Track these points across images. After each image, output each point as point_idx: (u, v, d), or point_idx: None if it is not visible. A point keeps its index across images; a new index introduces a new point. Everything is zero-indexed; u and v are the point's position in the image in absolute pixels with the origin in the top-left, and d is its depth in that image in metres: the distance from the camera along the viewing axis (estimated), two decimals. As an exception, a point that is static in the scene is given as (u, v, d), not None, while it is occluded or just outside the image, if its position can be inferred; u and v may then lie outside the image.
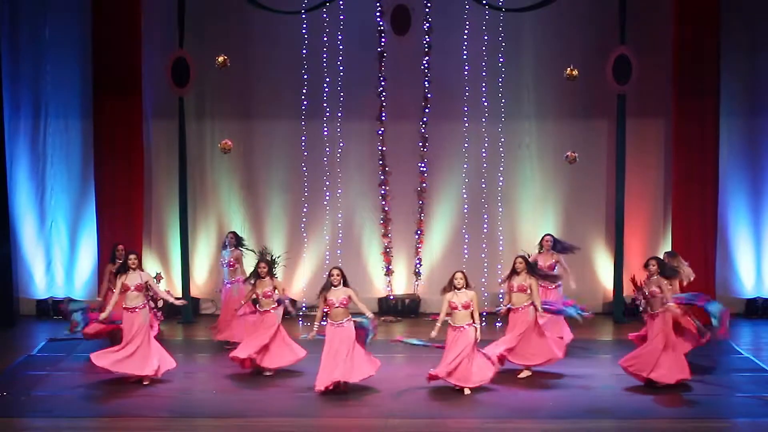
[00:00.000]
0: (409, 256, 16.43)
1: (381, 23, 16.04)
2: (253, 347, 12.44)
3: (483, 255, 15.99)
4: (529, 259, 13.10)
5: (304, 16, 15.59)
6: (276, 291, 12.65)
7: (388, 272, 16.38)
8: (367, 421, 10.91)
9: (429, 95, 16.15)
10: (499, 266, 15.78)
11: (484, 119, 16.01)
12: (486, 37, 15.80)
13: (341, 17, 15.80)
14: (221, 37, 15.84)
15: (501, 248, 16.04)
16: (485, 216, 16.12)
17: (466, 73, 15.93)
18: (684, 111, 15.47)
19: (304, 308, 15.66)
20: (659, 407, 11.28)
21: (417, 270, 16.40)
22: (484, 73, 15.90)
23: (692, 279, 12.85)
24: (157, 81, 15.75)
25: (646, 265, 12.10)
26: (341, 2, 15.67)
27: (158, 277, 12.76)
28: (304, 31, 15.71)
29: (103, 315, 12.32)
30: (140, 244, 15.37)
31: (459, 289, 11.78)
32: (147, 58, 15.53)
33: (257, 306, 12.69)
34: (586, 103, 16.14)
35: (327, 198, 16.13)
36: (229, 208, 16.44)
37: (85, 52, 15.69)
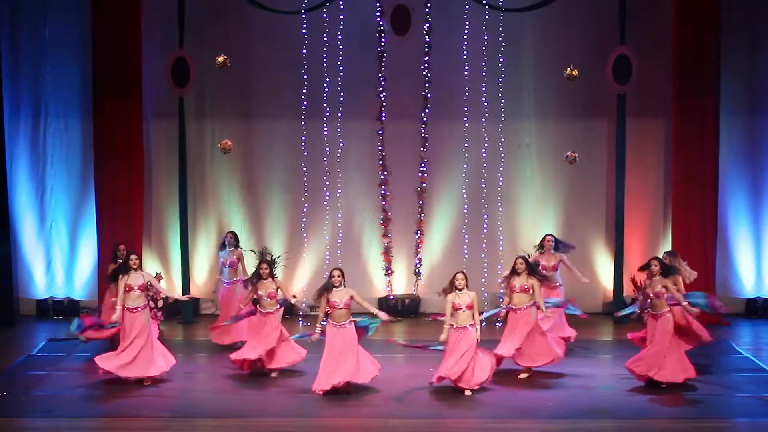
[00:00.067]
0: (409, 256, 16.43)
1: (381, 23, 16.05)
2: (258, 350, 12.40)
3: (483, 255, 15.99)
4: (530, 260, 13.12)
5: (304, 16, 15.59)
6: (279, 291, 12.63)
7: (388, 272, 16.38)
8: (367, 421, 10.90)
9: (429, 95, 16.15)
10: (499, 266, 15.78)
11: (484, 119, 16.01)
12: (486, 37, 15.80)
13: (341, 17, 15.80)
14: (221, 37, 15.84)
15: (501, 248, 16.04)
16: (485, 216, 16.12)
17: (466, 73, 15.93)
18: (684, 111, 15.47)
19: (303, 306, 15.64)
20: (659, 407, 11.28)
21: (417, 270, 16.40)
22: (484, 73, 15.91)
23: (693, 278, 12.84)
24: (157, 81, 15.75)
25: (647, 266, 12.05)
26: (341, 2, 15.67)
27: (158, 277, 12.75)
28: (304, 31, 15.71)
29: (115, 316, 12.21)
30: (140, 244, 15.37)
31: (460, 289, 11.77)
32: (147, 58, 15.53)
33: (258, 307, 12.64)
34: (586, 103, 16.14)
35: (327, 198, 16.13)
36: (229, 208, 16.44)
37: (85, 52, 15.69)
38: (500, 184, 16.14)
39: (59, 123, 16.10)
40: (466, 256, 15.93)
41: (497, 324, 14.26)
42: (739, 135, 16.11)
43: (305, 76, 15.84)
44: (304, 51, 15.79)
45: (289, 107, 16.04)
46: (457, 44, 15.89)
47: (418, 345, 12.48)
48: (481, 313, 12.09)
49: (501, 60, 15.88)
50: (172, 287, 15.39)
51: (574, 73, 14.53)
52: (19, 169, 16.09)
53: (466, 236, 16.11)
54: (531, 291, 12.33)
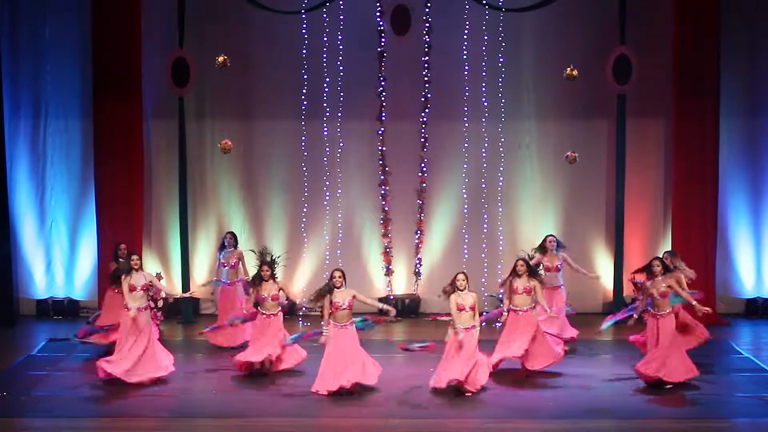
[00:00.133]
0: (409, 256, 16.43)
1: (381, 23, 16.04)
2: (264, 353, 12.37)
3: (483, 255, 15.99)
4: (534, 261, 13.13)
5: (304, 16, 15.59)
6: (281, 292, 12.62)
7: (388, 272, 16.38)
8: (367, 421, 10.90)
9: (429, 95, 16.15)
10: (499, 266, 15.79)
11: (484, 119, 16.01)
12: (486, 37, 15.80)
13: (341, 17, 15.80)
14: (221, 37, 15.84)
15: (501, 248, 16.04)
16: (485, 216, 16.12)
17: (466, 73, 15.93)
18: (684, 111, 15.48)
19: (304, 308, 15.65)
20: (659, 407, 11.28)
21: (417, 270, 16.40)
22: (484, 73, 15.91)
23: (693, 278, 12.85)
24: (157, 81, 15.75)
25: (649, 267, 12.03)
26: (341, 2, 15.67)
27: (158, 277, 12.75)
28: (304, 31, 15.71)
29: (132, 313, 12.18)
30: (140, 244, 15.37)
31: (462, 290, 11.77)
32: (147, 58, 15.53)
33: (260, 309, 12.60)
34: (586, 103, 16.14)
35: (327, 198, 16.12)
36: (229, 208, 16.44)
37: (85, 52, 15.69)
38: (500, 184, 16.14)
39: (59, 123, 16.10)
40: (466, 256, 15.93)
41: (497, 324, 14.25)
42: (739, 135, 16.11)
43: (305, 76, 15.84)
44: (304, 51, 15.79)
45: (289, 107, 16.04)
46: (457, 44, 15.88)
47: (416, 348, 12.35)
48: (481, 314, 12.08)
49: (501, 60, 15.88)
50: (172, 287, 15.39)
51: (574, 73, 14.54)
52: (19, 169, 16.09)
53: (466, 236, 16.11)
54: (533, 293, 12.33)
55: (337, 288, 11.80)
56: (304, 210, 16.10)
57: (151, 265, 15.60)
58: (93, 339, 13.11)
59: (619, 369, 12.63)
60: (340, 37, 15.87)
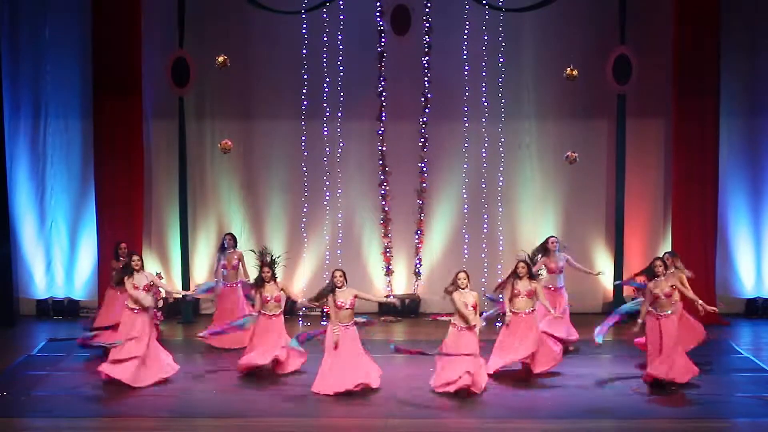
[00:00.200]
0: (409, 256, 16.43)
1: (381, 23, 16.04)
2: (268, 355, 12.34)
3: (483, 255, 15.98)
4: (538, 264, 13.12)
5: (304, 16, 15.59)
6: (282, 293, 12.61)
7: (388, 272, 16.38)
8: (367, 421, 10.91)
9: (429, 95, 16.15)
10: (499, 266, 15.78)
11: (484, 119, 16.01)
12: (486, 37, 15.80)
13: (341, 17, 15.80)
14: (221, 37, 15.84)
15: (501, 248, 16.03)
16: (485, 216, 16.12)
17: (466, 73, 15.93)
18: (684, 111, 15.48)
19: (304, 309, 15.63)
20: (659, 407, 11.28)
21: (417, 270, 16.40)
22: (484, 73, 15.91)
23: (692, 278, 12.85)
24: (157, 81, 15.75)
25: (651, 269, 12.01)
26: (341, 2, 15.67)
27: (158, 277, 12.75)
28: (304, 31, 15.71)
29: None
30: (140, 244, 15.37)
31: (463, 288, 11.77)
32: (147, 58, 15.53)
33: (262, 310, 12.57)
34: (586, 103, 16.14)
35: (327, 198, 16.12)
36: (229, 208, 16.44)
37: (85, 52, 15.69)
38: (500, 184, 16.14)
39: (59, 123, 16.10)
40: (466, 256, 15.93)
41: (497, 324, 14.24)
42: (739, 135, 16.10)
43: (305, 76, 15.84)
44: (304, 51, 15.79)
45: (289, 107, 16.04)
46: (457, 44, 15.88)
47: (415, 351, 12.28)
48: (481, 314, 12.08)
49: (501, 60, 15.87)
50: (172, 287, 15.36)
51: (574, 73, 14.54)
52: (19, 169, 16.08)
53: (466, 236, 16.11)
54: (534, 295, 12.32)
55: (338, 288, 11.80)
56: (304, 210, 16.10)
57: (151, 265, 15.59)
58: (93, 342, 13.10)
59: (619, 369, 12.63)
60: (340, 37, 15.87)
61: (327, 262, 15.94)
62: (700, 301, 12.13)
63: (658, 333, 11.86)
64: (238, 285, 14.26)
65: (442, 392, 11.61)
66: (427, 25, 15.99)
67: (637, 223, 16.22)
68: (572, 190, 16.30)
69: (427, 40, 16.03)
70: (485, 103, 15.97)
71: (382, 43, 16.05)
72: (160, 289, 12.57)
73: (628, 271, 15.71)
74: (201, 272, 16.22)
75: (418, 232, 16.35)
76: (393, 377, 12.21)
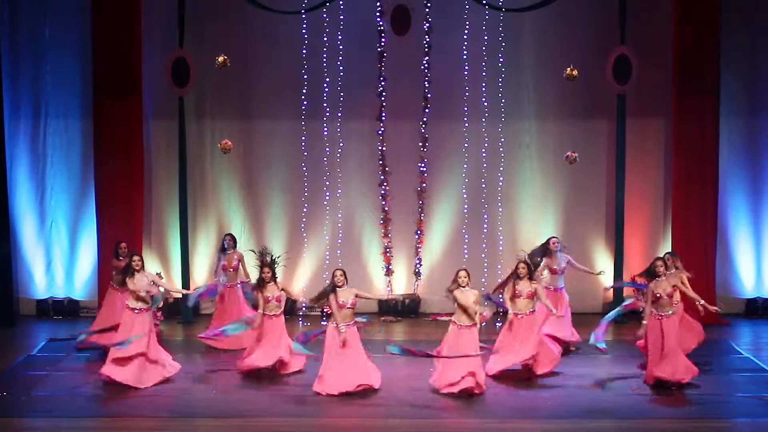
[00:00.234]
0: (409, 256, 16.43)
1: (381, 23, 16.04)
2: (271, 357, 12.31)
3: (483, 255, 15.98)
4: (542, 266, 13.12)
5: (304, 16, 15.59)
6: (283, 292, 12.61)
7: (388, 272, 16.38)
8: (367, 421, 10.91)
9: (429, 95, 16.15)
10: (499, 266, 15.79)
11: (484, 119, 16.01)
12: (486, 37, 15.80)
13: (341, 17, 15.80)
14: (221, 37, 15.84)
15: (501, 248, 16.03)
16: (485, 216, 16.12)
17: (466, 73, 15.93)
18: (684, 111, 15.48)
19: (304, 308, 15.65)
20: (659, 407, 11.28)
21: (417, 270, 16.40)
22: (484, 73, 15.90)
23: (690, 278, 12.85)
24: (157, 81, 15.75)
25: (652, 269, 12.00)
26: (341, 2, 15.67)
27: (158, 276, 12.75)
28: (304, 31, 15.71)
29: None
30: (140, 244, 15.37)
31: (464, 287, 11.78)
32: (147, 58, 15.53)
33: (263, 310, 12.56)
34: (586, 103, 16.14)
35: (327, 198, 16.12)
36: (229, 208, 16.44)
37: (85, 52, 15.69)
38: (500, 184, 16.14)
39: (59, 123, 16.09)
40: (466, 256, 15.93)
41: (497, 324, 14.26)
42: (739, 135, 16.11)
43: (305, 76, 15.84)
44: (304, 51, 15.79)
45: (289, 107, 16.04)
46: (457, 44, 15.88)
47: (418, 352, 12.24)
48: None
49: (501, 60, 15.87)
50: (172, 287, 15.36)
51: (574, 73, 14.55)
52: (19, 169, 16.08)
53: (466, 236, 16.11)
54: (534, 296, 12.32)
55: (339, 287, 11.81)
56: (304, 210, 16.10)
57: (151, 265, 15.59)
58: (92, 342, 13.10)
59: (619, 369, 12.62)
60: (340, 37, 15.87)
61: (327, 262, 15.94)
62: (702, 301, 12.14)
63: (660, 333, 11.84)
64: (238, 286, 14.25)
65: (445, 393, 11.61)
66: (427, 25, 15.99)
67: (637, 223, 16.22)
68: (572, 190, 16.30)
69: (427, 40, 16.03)
70: (485, 103, 15.97)
71: (382, 43, 16.05)
72: (160, 288, 12.56)
73: (628, 271, 15.72)
74: (201, 272, 16.22)
75: (418, 232, 16.36)
76: (393, 377, 12.20)
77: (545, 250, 13.70)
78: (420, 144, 16.24)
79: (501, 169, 16.14)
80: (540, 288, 12.45)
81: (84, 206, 16.06)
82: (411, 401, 11.47)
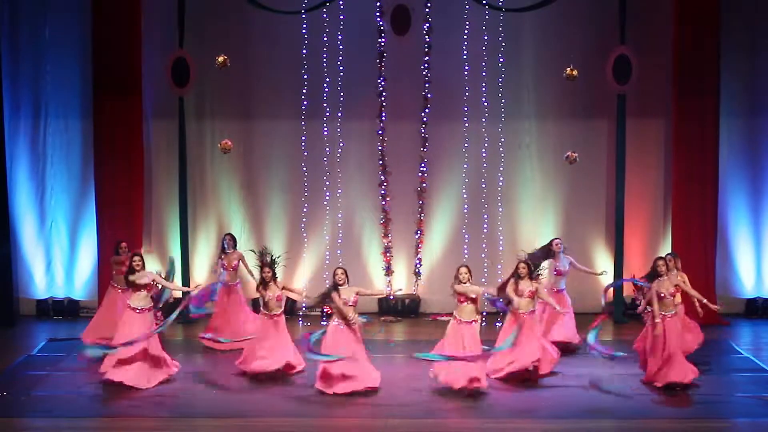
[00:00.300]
0: (409, 256, 16.43)
1: (381, 23, 16.04)
2: (279, 359, 12.26)
3: (483, 255, 15.97)
4: (548, 267, 13.13)
5: (304, 16, 15.59)
6: (283, 291, 12.61)
7: (388, 272, 16.38)
8: (367, 421, 10.91)
9: (429, 95, 16.15)
10: (499, 266, 15.78)
11: (484, 119, 16.00)
12: (486, 37, 15.79)
13: (341, 17, 15.80)
14: (221, 37, 15.84)
15: (501, 248, 16.03)
16: (485, 216, 16.11)
17: (466, 73, 15.93)
18: (684, 111, 15.48)
19: (304, 308, 15.65)
20: (659, 407, 11.28)
21: (417, 270, 16.40)
22: (484, 73, 15.90)
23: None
24: (157, 81, 15.75)
25: (654, 269, 11.99)
26: (341, 2, 15.67)
27: (159, 275, 12.72)
28: (304, 31, 15.71)
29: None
30: (140, 244, 15.37)
31: (464, 283, 11.78)
32: (147, 58, 15.53)
33: (262, 310, 12.56)
34: (586, 103, 16.15)
35: (327, 198, 16.12)
36: (229, 208, 16.44)
37: (85, 52, 15.69)
38: (500, 184, 16.14)
39: (59, 123, 16.10)
40: (466, 256, 15.91)
41: (497, 324, 14.25)
42: (739, 135, 16.11)
43: (305, 76, 15.84)
44: (304, 51, 15.79)
45: (289, 107, 16.04)
46: (457, 44, 15.88)
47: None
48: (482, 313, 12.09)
49: (501, 60, 15.87)
50: (173, 285, 15.34)
51: (573, 73, 14.56)
52: (19, 169, 16.09)
53: (466, 236, 16.11)
54: (536, 295, 12.32)
55: (341, 285, 11.82)
56: (304, 210, 16.10)
57: (151, 265, 15.58)
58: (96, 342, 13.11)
59: (619, 369, 12.61)
60: (340, 37, 15.87)
61: (327, 262, 15.94)
62: (704, 300, 12.14)
63: (662, 333, 11.84)
64: (238, 285, 14.26)
65: (445, 387, 11.59)
66: (427, 25, 15.99)
67: (637, 223, 16.22)
68: (572, 190, 16.30)
69: (427, 40, 16.03)
70: (485, 103, 15.97)
71: (382, 43, 16.05)
72: (160, 287, 12.56)
73: (628, 271, 15.73)
74: (201, 272, 16.22)
75: (418, 232, 16.36)
76: (393, 377, 12.21)
77: (548, 251, 13.69)
78: (420, 144, 16.24)
79: (501, 169, 16.13)
80: (541, 287, 12.45)
81: (84, 206, 16.06)
82: (411, 401, 11.47)
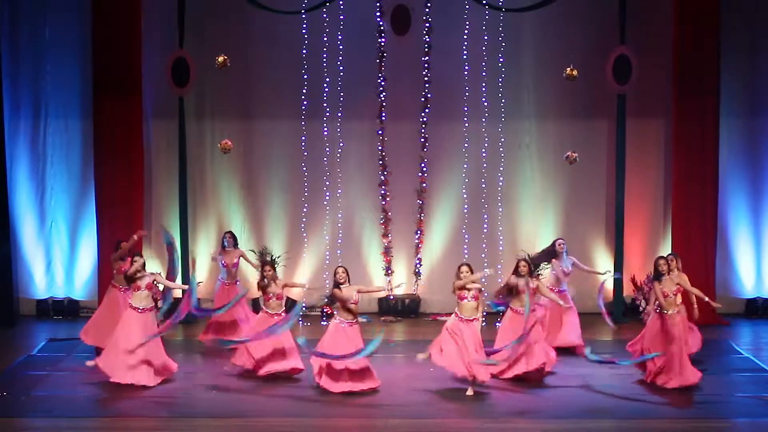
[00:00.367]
0: (409, 256, 16.43)
1: (381, 23, 16.05)
2: (290, 361, 12.24)
3: (483, 255, 15.97)
4: (555, 268, 13.13)
5: (304, 16, 15.59)
6: (284, 289, 12.60)
7: (388, 272, 16.38)
8: (367, 421, 10.91)
9: (429, 95, 16.15)
10: (499, 266, 15.76)
11: (484, 119, 16.01)
12: (486, 37, 15.80)
13: (341, 17, 15.81)
14: (221, 37, 15.85)
15: (501, 248, 16.03)
16: (485, 216, 16.12)
17: (466, 73, 15.93)
18: (684, 111, 15.48)
19: (304, 308, 15.63)
20: (659, 407, 11.28)
21: (417, 270, 16.40)
22: (484, 73, 15.91)
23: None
24: (157, 81, 15.75)
25: (656, 269, 11.99)
26: (341, 2, 15.67)
27: (159, 275, 12.70)
28: (304, 31, 15.71)
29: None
30: (140, 244, 15.34)
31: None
32: (147, 58, 15.53)
33: (266, 308, 12.55)
34: (586, 103, 16.15)
35: (327, 198, 16.13)
36: (229, 208, 16.45)
37: (85, 52, 15.69)
38: (500, 184, 16.14)
39: (59, 123, 16.10)
40: (466, 256, 15.90)
41: (497, 324, 14.24)
42: (739, 135, 16.11)
43: (305, 76, 15.84)
44: (304, 51, 15.79)
45: (289, 107, 16.04)
46: (457, 44, 15.89)
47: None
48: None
49: (501, 60, 15.88)
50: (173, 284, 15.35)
51: (573, 73, 14.56)
52: (19, 169, 16.09)
53: (466, 236, 16.11)
54: (537, 293, 12.32)
55: (341, 284, 11.82)
56: (304, 210, 16.10)
57: (151, 265, 15.58)
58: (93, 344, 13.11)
59: (619, 369, 12.60)
60: (340, 37, 15.87)
61: (327, 262, 15.95)
62: (706, 298, 12.14)
63: (661, 331, 11.85)
64: (237, 284, 14.26)
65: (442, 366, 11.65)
66: (427, 25, 16.00)
67: (637, 223, 16.22)
68: (572, 190, 16.30)
69: (427, 40, 16.04)
70: (485, 103, 15.97)
71: (382, 43, 16.05)
72: (160, 287, 12.56)
73: (628, 271, 15.76)
74: (201, 272, 16.20)
75: (418, 232, 16.36)
76: (393, 377, 12.21)
77: (551, 252, 13.68)
78: (420, 144, 16.25)
79: (501, 169, 16.14)
80: (542, 285, 12.44)
81: (84, 206, 16.06)
82: (411, 401, 11.46)
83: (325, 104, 15.96)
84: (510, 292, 12.34)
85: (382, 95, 16.11)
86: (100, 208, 15.58)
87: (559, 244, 13.81)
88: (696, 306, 12.33)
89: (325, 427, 10.84)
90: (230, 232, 14.57)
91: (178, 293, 12.76)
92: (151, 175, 16.14)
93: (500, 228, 16.14)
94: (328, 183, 16.11)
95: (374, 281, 16.27)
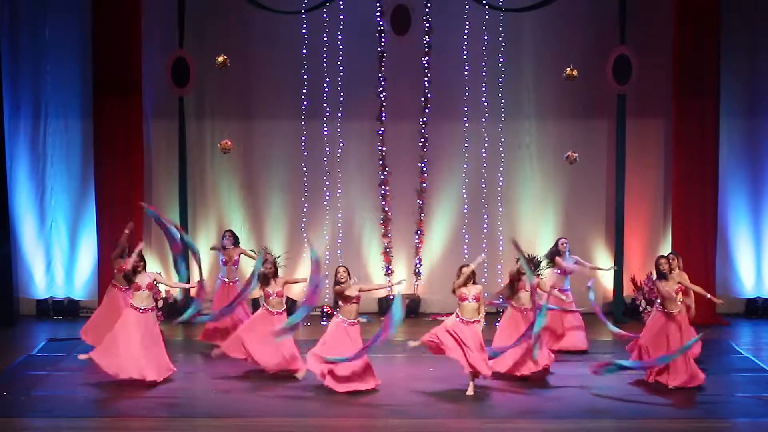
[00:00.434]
0: (409, 256, 16.43)
1: (381, 23, 16.05)
2: (291, 358, 12.26)
3: (483, 255, 15.94)
4: (563, 268, 13.15)
5: (304, 16, 15.60)
6: (284, 288, 12.60)
7: (388, 272, 16.38)
8: (367, 421, 10.90)
9: (429, 95, 16.15)
10: (499, 266, 15.79)
11: (484, 119, 16.01)
12: (486, 37, 15.80)
13: (341, 17, 15.81)
14: (221, 37, 15.85)
15: (501, 248, 16.03)
16: (485, 216, 16.12)
17: (466, 73, 15.94)
18: (684, 111, 15.49)
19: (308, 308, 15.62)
20: (659, 407, 11.27)
21: (417, 270, 16.40)
22: (484, 73, 15.91)
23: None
24: (157, 81, 15.76)
25: (658, 269, 11.98)
26: (341, 2, 15.68)
27: (159, 275, 12.68)
28: (304, 31, 15.72)
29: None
30: (138, 235, 15.32)
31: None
32: (147, 58, 15.54)
33: (266, 306, 12.55)
34: (586, 103, 16.15)
35: (327, 198, 16.13)
36: (229, 208, 16.45)
37: (85, 52, 15.70)
38: (500, 184, 16.15)
39: (59, 123, 16.10)
40: (466, 256, 15.91)
41: (497, 324, 14.24)
42: (739, 135, 16.11)
43: (305, 76, 15.85)
44: (304, 51, 15.80)
45: (289, 107, 16.05)
46: (457, 44, 15.89)
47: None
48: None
49: (501, 60, 15.88)
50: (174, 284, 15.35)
51: (573, 73, 14.57)
52: (19, 169, 16.09)
53: (466, 236, 16.11)
54: (538, 289, 12.32)
55: (342, 283, 11.82)
56: (304, 210, 16.11)
57: (151, 265, 15.57)
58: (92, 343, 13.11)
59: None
60: (340, 37, 15.88)
61: (327, 262, 15.93)
62: (708, 295, 12.16)
63: (663, 330, 11.85)
64: (237, 282, 14.25)
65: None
66: (427, 25, 16.00)
67: (637, 223, 16.23)
68: (572, 190, 16.31)
69: (427, 40, 16.04)
70: (485, 103, 15.97)
71: (382, 43, 16.05)
72: (160, 287, 12.56)
73: (629, 271, 15.76)
74: (200, 273, 16.17)
75: (418, 232, 16.36)
76: (393, 377, 12.20)
77: (555, 251, 13.70)
78: (420, 144, 16.25)
79: (501, 169, 16.14)
80: (542, 283, 12.43)
81: (84, 206, 16.06)
82: (411, 401, 11.46)
83: (325, 104, 15.96)
84: (512, 287, 12.34)
85: (382, 95, 16.12)
86: (100, 208, 15.58)
87: (562, 243, 13.83)
88: (693, 308, 12.33)
89: (325, 427, 10.83)
90: (230, 231, 14.57)
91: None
92: (151, 175, 16.14)
93: (500, 228, 16.14)
94: (328, 183, 16.12)
95: (374, 282, 16.25)
